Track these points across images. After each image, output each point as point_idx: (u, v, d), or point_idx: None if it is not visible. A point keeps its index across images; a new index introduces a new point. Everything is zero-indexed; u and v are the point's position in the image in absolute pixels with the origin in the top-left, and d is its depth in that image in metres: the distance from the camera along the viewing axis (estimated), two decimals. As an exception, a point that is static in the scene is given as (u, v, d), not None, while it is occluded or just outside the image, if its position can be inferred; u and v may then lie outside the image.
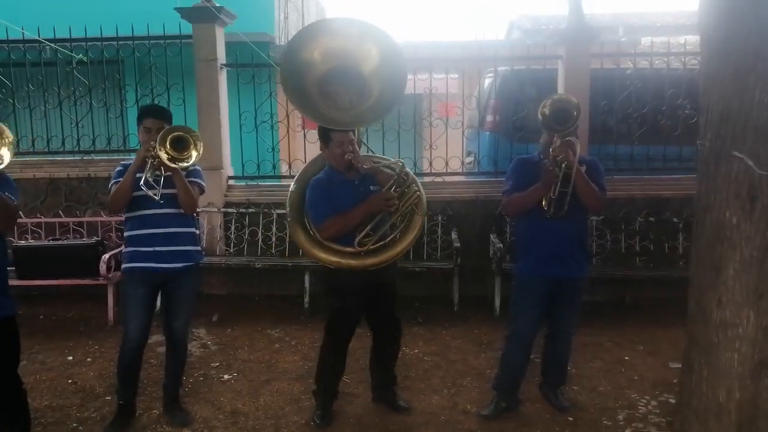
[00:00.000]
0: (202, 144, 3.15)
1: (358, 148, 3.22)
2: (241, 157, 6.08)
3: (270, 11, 10.25)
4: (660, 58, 5.99)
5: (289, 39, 3.08)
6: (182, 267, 3.25)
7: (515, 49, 6.28)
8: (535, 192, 3.18)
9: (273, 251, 5.80)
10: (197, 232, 3.47)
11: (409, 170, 3.26)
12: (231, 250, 5.90)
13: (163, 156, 3.04)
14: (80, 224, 5.95)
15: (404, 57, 3.12)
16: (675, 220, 5.54)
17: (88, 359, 4.34)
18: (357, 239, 3.11)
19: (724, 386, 2.67)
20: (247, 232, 5.86)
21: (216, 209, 5.91)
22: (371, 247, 3.13)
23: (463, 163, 6.39)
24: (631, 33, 13.03)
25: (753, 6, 2.48)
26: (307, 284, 5.31)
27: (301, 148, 5.99)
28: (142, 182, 3.07)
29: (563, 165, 3.09)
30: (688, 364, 2.88)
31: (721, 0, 2.59)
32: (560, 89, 5.80)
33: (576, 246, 3.28)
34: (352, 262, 3.14)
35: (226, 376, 4.05)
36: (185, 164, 3.12)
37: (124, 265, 3.27)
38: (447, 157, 6.00)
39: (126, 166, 3.20)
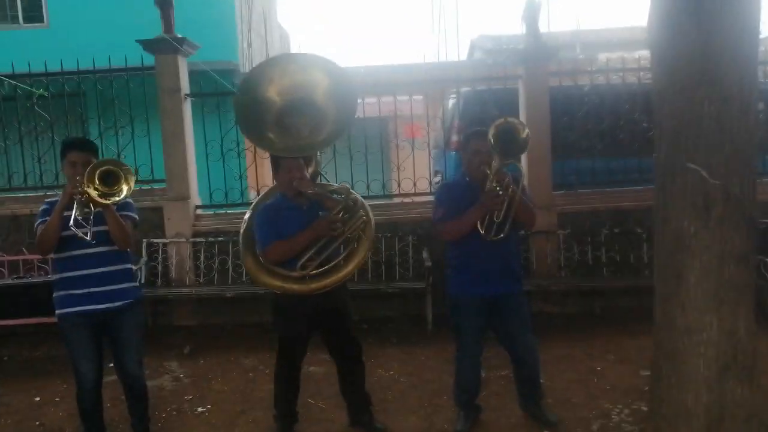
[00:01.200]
0: (133, 178, 3.02)
1: (307, 174, 3.26)
2: (208, 185, 6.06)
3: (233, 39, 10.30)
4: (616, 73, 6.19)
5: (241, 81, 3.19)
6: (122, 305, 3.13)
7: (476, 70, 6.46)
8: (474, 214, 3.21)
9: (244, 279, 5.75)
10: (134, 267, 3.36)
11: (357, 195, 3.32)
12: (201, 280, 5.83)
13: (93, 192, 2.88)
14: (45, 261, 5.82)
15: (352, 81, 3.23)
16: (638, 230, 5.68)
17: (57, 399, 4.22)
18: (299, 263, 3.13)
19: (692, 391, 2.74)
20: (217, 261, 5.81)
21: (184, 239, 5.85)
22: (314, 271, 3.14)
23: (431, 183, 6.46)
24: (589, 50, 13.43)
25: (698, 25, 2.60)
26: (279, 311, 5.26)
27: (269, 174, 5.97)
28: (71, 222, 2.89)
29: (509, 189, 3.16)
30: (656, 372, 2.95)
31: (668, 19, 2.71)
32: (521, 108, 5.95)
33: (511, 262, 3.35)
34: (295, 286, 3.16)
35: (200, 409, 3.98)
36: (116, 199, 2.95)
37: (58, 311, 3.10)
38: (415, 177, 6.06)
39: (52, 204, 3.04)
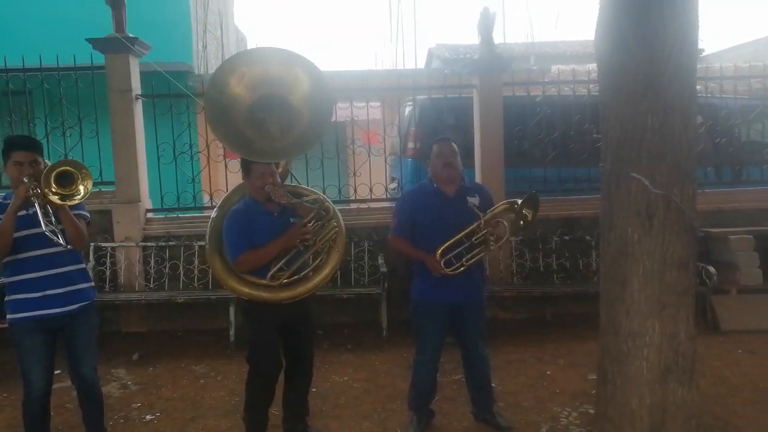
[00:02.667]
0: (91, 179, 2.96)
1: (280, 180, 3.21)
2: (159, 189, 5.93)
3: (188, 40, 10.11)
4: (567, 85, 6.36)
5: (216, 68, 3.05)
6: (78, 308, 3.05)
7: (432, 79, 6.50)
8: (413, 254, 3.41)
9: (196, 284, 5.65)
10: (87, 267, 3.28)
11: (331, 205, 3.27)
12: (151, 286, 5.69)
13: (51, 195, 2.84)
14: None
15: (330, 87, 3.17)
16: (587, 237, 5.84)
17: (-5, 409, 4.05)
18: (270, 273, 3.10)
19: (636, 393, 2.84)
20: (167, 266, 5.68)
21: (134, 244, 5.70)
22: (285, 281, 3.12)
23: (386, 189, 6.50)
24: (543, 61, 13.74)
25: (641, 38, 2.71)
26: (232, 317, 5.19)
27: (222, 178, 5.91)
28: (43, 225, 2.83)
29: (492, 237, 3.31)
30: (602, 375, 3.04)
31: (613, 33, 2.82)
32: (475, 117, 6.05)
33: (472, 271, 3.38)
34: (265, 294, 3.13)
35: (148, 417, 3.88)
36: (74, 201, 2.91)
37: (10, 316, 2.99)
38: (371, 183, 6.08)
39: (1, 205, 2.95)
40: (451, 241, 3.26)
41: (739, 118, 6.78)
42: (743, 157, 6.67)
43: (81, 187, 2.93)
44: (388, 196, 6.53)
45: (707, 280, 5.33)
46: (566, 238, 5.90)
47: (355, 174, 6.03)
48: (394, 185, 7.03)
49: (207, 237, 3.32)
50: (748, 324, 5.29)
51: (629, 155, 2.76)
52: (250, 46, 15.07)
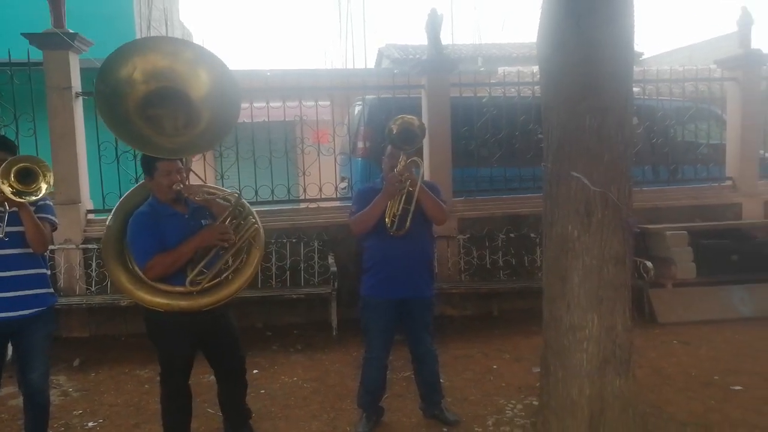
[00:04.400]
0: (52, 175, 2.86)
1: (187, 178, 3.03)
2: (101, 189, 5.75)
3: (131, 36, 9.83)
4: (512, 86, 6.51)
5: (104, 60, 2.77)
6: (33, 313, 2.94)
7: (381, 78, 6.54)
8: (378, 203, 3.31)
9: (141, 287, 5.50)
10: (48, 272, 3.14)
11: (245, 201, 3.11)
12: (93, 289, 5.52)
13: (7, 189, 2.74)
14: None
15: (239, 87, 2.94)
16: (532, 235, 6.00)
17: (-76, 421, 3.85)
18: (189, 278, 2.85)
19: (576, 385, 2.95)
20: (111, 268, 5.52)
21: (74, 246, 5.52)
22: (205, 285, 2.87)
23: (336, 188, 6.50)
24: (490, 63, 13.98)
25: (579, 41, 2.81)
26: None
27: (168, 178, 5.77)
28: None
29: (407, 182, 3.28)
30: (545, 368, 3.14)
31: (554, 37, 2.91)
32: (424, 117, 6.11)
33: (422, 266, 3.44)
34: (183, 303, 2.86)
35: (90, 424, 3.77)
36: (33, 198, 2.80)
37: None
38: (321, 183, 6.07)
39: None
40: (394, 209, 3.32)
41: (674, 119, 7.10)
42: (678, 156, 6.98)
43: (43, 184, 2.82)
44: (338, 196, 6.53)
45: (645, 275, 5.56)
46: (512, 235, 6.04)
47: (304, 173, 6.01)
48: (344, 185, 7.04)
49: (103, 246, 3.05)
50: (683, 316, 5.55)
51: (569, 155, 2.87)
52: (197, 42, 14.79)
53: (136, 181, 5.85)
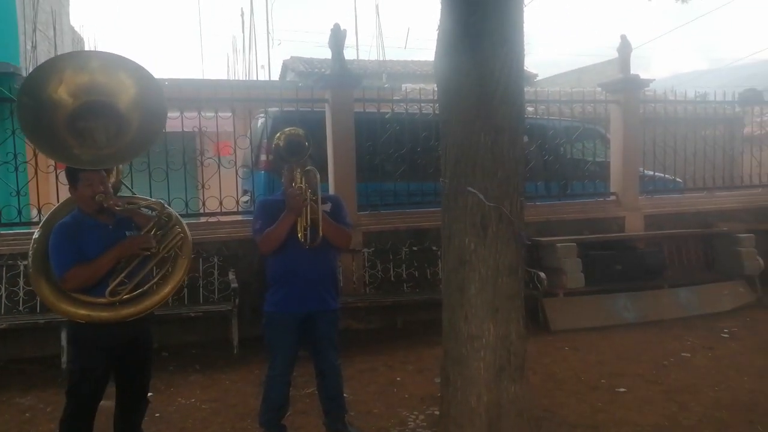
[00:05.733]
0: None
1: (110, 188, 2.97)
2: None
3: (13, 39, 9.14)
4: (414, 103, 6.67)
5: (30, 72, 2.78)
6: None
7: (285, 91, 6.49)
8: (285, 220, 3.26)
9: (21, 308, 5.10)
10: None
11: (171, 210, 3.09)
12: (-34, 312, 5.05)
13: None
14: None
15: (162, 90, 3.01)
16: (434, 248, 6.14)
17: None
18: (109, 288, 2.82)
19: (474, 393, 3.03)
20: (-13, 288, 5.08)
21: (-56, 264, 5.04)
22: (126, 296, 2.84)
23: (238, 202, 6.35)
24: (394, 80, 14.29)
25: (474, 64, 2.93)
26: (64, 342, 4.73)
27: (53, 190, 5.42)
28: None
29: (308, 193, 3.26)
30: (444, 377, 3.21)
31: (450, 58, 3.02)
32: (328, 131, 6.13)
33: (327, 278, 3.43)
34: (104, 314, 2.82)
35: (-41, 461, 3.43)
36: None
37: None
38: (221, 196, 5.91)
39: None
40: (303, 223, 3.28)
41: (564, 138, 7.55)
42: (568, 173, 7.43)
43: None
44: (240, 209, 6.38)
45: (539, 285, 5.84)
46: (415, 248, 6.16)
47: (203, 186, 5.82)
48: (246, 198, 6.90)
49: (30, 259, 2.96)
50: (574, 323, 5.88)
51: (465, 171, 2.97)
52: (88, 48, 14.01)
53: (18, 193, 5.45)
